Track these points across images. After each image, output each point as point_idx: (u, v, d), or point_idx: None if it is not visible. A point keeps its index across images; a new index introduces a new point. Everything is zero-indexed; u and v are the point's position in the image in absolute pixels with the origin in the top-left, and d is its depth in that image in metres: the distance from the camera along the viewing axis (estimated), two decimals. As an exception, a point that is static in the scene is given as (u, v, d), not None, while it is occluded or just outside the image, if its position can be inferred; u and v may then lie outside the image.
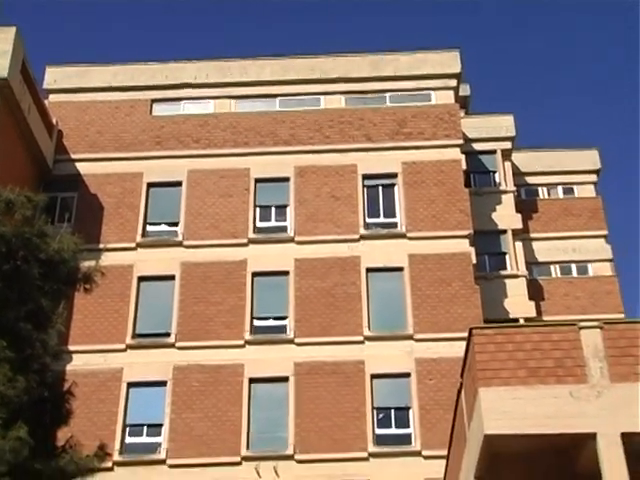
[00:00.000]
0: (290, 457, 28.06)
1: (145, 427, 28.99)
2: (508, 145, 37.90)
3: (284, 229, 32.42)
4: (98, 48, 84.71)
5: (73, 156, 33.69)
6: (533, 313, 33.88)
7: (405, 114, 34.26)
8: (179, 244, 31.97)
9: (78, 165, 33.47)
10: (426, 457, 27.43)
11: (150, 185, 33.25)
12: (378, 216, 32.76)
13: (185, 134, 34.18)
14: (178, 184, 33.19)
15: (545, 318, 34.09)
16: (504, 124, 38.21)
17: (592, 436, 13.99)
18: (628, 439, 13.84)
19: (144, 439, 28.78)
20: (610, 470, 13.63)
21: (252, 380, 29.41)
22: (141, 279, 31.44)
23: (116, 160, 33.64)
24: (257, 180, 33.19)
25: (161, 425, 28.82)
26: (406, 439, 28.55)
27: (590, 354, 14.76)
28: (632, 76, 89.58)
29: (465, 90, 38.92)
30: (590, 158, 40.70)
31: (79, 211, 32.70)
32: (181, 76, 35.40)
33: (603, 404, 14.31)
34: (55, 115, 33.95)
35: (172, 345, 30.05)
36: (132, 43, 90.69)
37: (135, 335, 30.27)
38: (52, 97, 34.86)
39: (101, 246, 30.93)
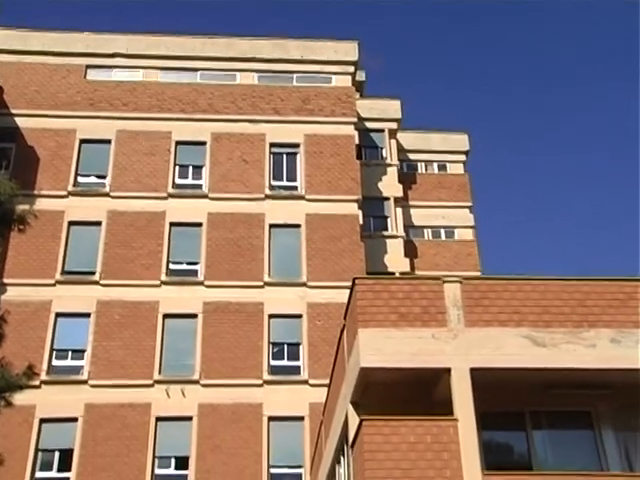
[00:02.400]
0: (196, 382, 28.53)
1: (70, 352, 29.07)
2: (394, 126, 38.50)
3: (199, 186, 32.62)
4: (36, 14, 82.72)
5: (13, 111, 33.03)
6: (407, 268, 34.69)
7: (309, 93, 34.65)
8: (106, 194, 31.93)
9: (17, 119, 32.91)
10: (312, 385, 28.21)
11: (82, 141, 33.02)
12: (282, 179, 33.18)
13: (115, 98, 33.93)
14: (107, 142, 33.06)
15: (417, 272, 35.18)
16: (392, 107, 38.73)
17: (447, 370, 14.75)
18: (476, 373, 14.71)
19: (69, 362, 28.87)
20: (460, 397, 14.47)
21: (166, 315, 29.73)
22: (71, 223, 31.33)
23: (52, 117, 33.20)
24: (177, 142, 33.26)
25: (84, 351, 28.95)
26: (296, 370, 29.25)
27: (450, 303, 15.44)
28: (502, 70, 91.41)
29: (361, 76, 39.22)
30: (461, 141, 41.81)
31: (17, 160, 32.18)
32: (114, 46, 35.00)
33: (458, 345, 15.04)
34: (-4, 73, 33.30)
35: (97, 282, 30.11)
36: (68, 12, 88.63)
37: (64, 272, 30.25)
38: (-6, 56, 34.10)
39: (36, 192, 30.95)
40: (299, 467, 27.79)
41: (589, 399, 16.16)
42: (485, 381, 14.73)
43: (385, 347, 14.94)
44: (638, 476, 15.08)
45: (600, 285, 16.09)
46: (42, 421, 27.63)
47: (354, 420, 15.45)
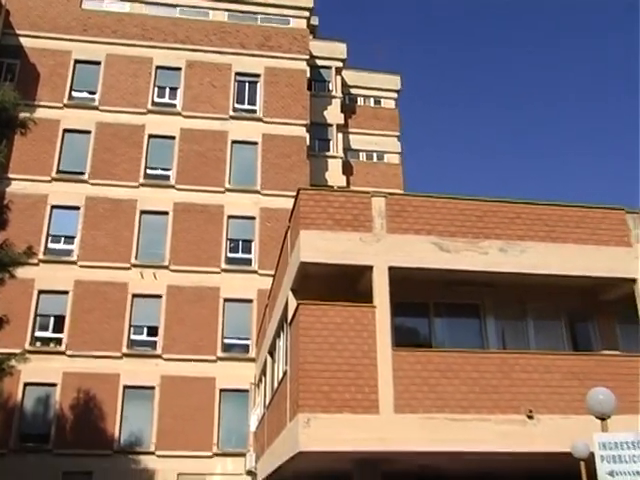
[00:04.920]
0: (166, 267, 28.87)
1: (63, 238, 29.08)
2: (340, 64, 38.35)
3: (174, 105, 32.18)
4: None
5: (18, 31, 32.02)
6: (344, 183, 35.16)
7: (270, 32, 34.13)
8: (95, 108, 31.39)
9: (21, 39, 31.96)
10: (260, 274, 28.71)
11: (76, 62, 32.20)
12: (243, 103, 32.84)
13: (106, 26, 33.02)
14: (98, 63, 32.33)
15: (352, 187, 35.59)
16: (339, 49, 38.52)
17: (370, 267, 15.25)
18: (392, 271, 15.27)
19: (62, 246, 28.91)
20: (378, 289, 15.01)
21: (142, 212, 29.76)
22: (65, 131, 30.85)
23: (51, 39, 32.29)
24: (157, 67, 32.65)
25: (74, 237, 29.03)
26: (248, 262, 29.66)
27: (376, 213, 15.77)
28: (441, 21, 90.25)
29: (315, 20, 38.82)
30: (394, 81, 41.76)
31: (20, 75, 31.33)
32: (106, -19, 34.05)
33: (380, 247, 15.46)
34: (2, -3, 32.12)
35: (85, 181, 29.94)
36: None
37: (59, 171, 29.98)
38: (1, -17, 32.86)
39: (36, 103, 30.41)
40: (247, 339, 28.49)
41: (479, 295, 16.89)
42: (399, 277, 15.25)
43: (321, 246, 15.26)
44: (510, 352, 15.93)
45: (495, 205, 16.62)
46: (40, 292, 27.93)
47: (293, 304, 15.85)
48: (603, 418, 8.33)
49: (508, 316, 17.30)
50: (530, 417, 14.83)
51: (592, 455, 8.95)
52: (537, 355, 15.84)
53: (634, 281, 16.77)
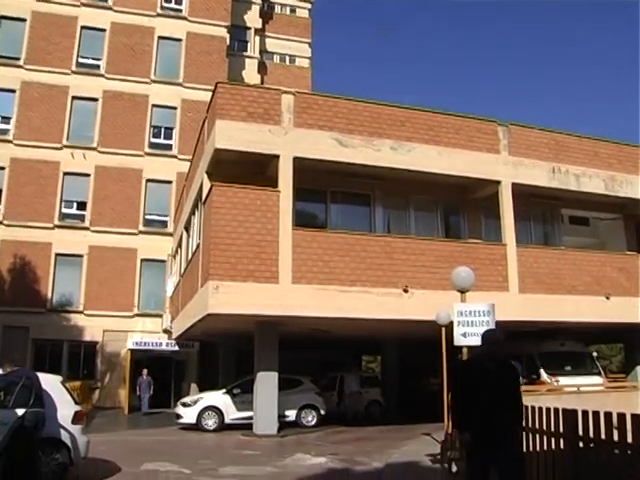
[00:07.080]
0: (94, 149, 27.67)
1: (0, 118, 27.40)
2: (260, -28, 36.63)
3: (106, 0, 29.86)
4: None
5: None
6: (258, 82, 34.00)
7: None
8: (33, -4, 28.90)
9: None
10: (180, 159, 27.73)
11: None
12: (171, 2, 30.73)
13: None
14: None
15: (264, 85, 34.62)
16: (263, -37, 36.70)
17: (277, 156, 15.15)
18: (297, 160, 15.21)
19: (1, 126, 27.33)
20: (283, 176, 14.98)
21: (74, 97, 28.06)
22: (2, 17, 28.26)
23: None
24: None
25: (10, 118, 27.30)
26: (169, 147, 28.69)
27: (285, 109, 15.55)
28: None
29: None
30: (310, -8, 40.29)
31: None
32: None
33: (287, 139, 15.33)
34: None
35: (21, 66, 27.77)
36: None
37: (-3, 57, 27.82)
38: None
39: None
40: (166, 216, 28.01)
41: (370, 186, 17.04)
42: (302, 167, 15.23)
43: (235, 135, 15.02)
44: (393, 236, 16.29)
45: (388, 109, 16.55)
46: (-21, 169, 26.64)
47: (207, 185, 15.71)
48: (463, 291, 8.60)
49: (394, 206, 17.59)
50: (406, 291, 15.32)
51: (452, 323, 9.26)
52: (415, 240, 16.24)
53: (499, 183, 17.35)
